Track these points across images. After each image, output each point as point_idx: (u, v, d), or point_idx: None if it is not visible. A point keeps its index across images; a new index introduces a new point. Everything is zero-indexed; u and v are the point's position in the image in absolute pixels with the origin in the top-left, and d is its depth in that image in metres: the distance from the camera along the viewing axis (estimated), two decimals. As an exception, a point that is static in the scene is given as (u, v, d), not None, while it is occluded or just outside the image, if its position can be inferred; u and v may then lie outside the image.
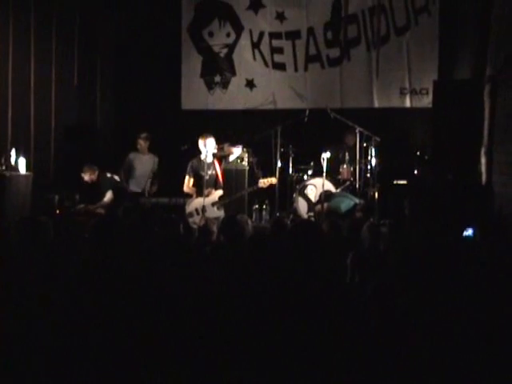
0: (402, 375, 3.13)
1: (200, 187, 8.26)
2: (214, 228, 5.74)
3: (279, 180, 8.91)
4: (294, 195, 9.25)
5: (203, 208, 8.11)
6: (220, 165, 8.56)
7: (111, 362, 3.29)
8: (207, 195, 8.21)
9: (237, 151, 9.21)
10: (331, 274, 4.00)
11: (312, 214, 9.00)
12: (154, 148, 9.67)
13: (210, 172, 8.34)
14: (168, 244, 4.86)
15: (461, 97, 8.57)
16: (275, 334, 3.33)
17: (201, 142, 8.36)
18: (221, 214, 8.16)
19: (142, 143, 9.47)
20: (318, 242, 4.34)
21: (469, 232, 5.29)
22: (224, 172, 8.82)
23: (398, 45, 10.11)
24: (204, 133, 8.47)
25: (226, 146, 9.21)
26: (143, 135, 9.45)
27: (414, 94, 10.03)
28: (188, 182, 8.48)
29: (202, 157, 8.36)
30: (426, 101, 9.83)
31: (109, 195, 8.81)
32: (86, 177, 8.85)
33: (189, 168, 8.47)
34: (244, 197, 8.71)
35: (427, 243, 4.67)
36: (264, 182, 8.43)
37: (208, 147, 8.30)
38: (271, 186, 8.56)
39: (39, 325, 3.44)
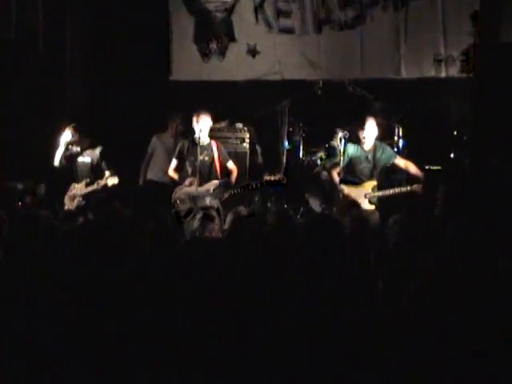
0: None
1: (192, 174, 8.10)
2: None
3: (286, 165, 9.04)
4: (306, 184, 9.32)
5: (193, 198, 7.99)
6: (218, 147, 8.34)
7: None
8: (189, 185, 8.05)
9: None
10: (352, 280, 3.96)
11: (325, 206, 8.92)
12: (136, 126, 9.69)
13: (202, 157, 8.13)
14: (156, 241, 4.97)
15: (508, 63, 8.45)
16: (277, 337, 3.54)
17: (194, 120, 8.20)
18: (214, 204, 8.02)
19: None
20: (336, 242, 4.17)
21: None
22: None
23: (431, 1, 9.87)
24: (198, 109, 8.30)
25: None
26: None
27: (451, 61, 9.78)
28: (173, 166, 8.39)
29: (196, 138, 8.19)
30: (456, 69, 9.77)
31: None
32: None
33: (177, 150, 8.39)
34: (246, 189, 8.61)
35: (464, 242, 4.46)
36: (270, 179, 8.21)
37: (202, 127, 8.11)
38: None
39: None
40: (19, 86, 9.60)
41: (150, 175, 9.33)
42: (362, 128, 8.12)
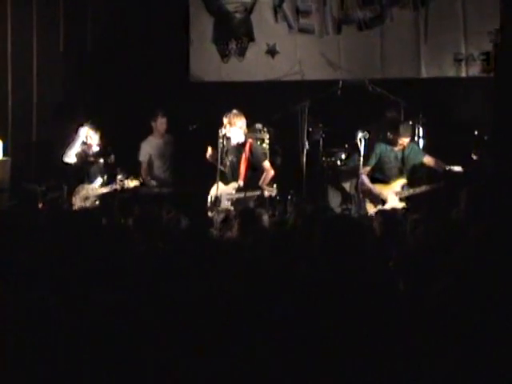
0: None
1: (220, 175, 8.23)
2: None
3: (306, 165, 9.01)
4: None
5: (216, 200, 8.14)
6: (250, 148, 8.36)
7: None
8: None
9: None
10: (372, 282, 3.81)
11: (346, 206, 9.00)
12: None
13: (231, 157, 8.31)
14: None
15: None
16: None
17: (225, 121, 8.27)
18: (231, 205, 8.13)
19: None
20: (356, 242, 4.07)
21: None
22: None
23: (451, 0, 9.86)
24: (219, 109, 8.43)
25: None
26: None
27: (471, 61, 9.77)
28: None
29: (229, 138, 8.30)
30: (476, 69, 9.70)
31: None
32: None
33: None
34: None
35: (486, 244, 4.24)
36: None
37: (231, 127, 8.20)
38: None
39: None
40: (39, 87, 9.68)
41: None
42: (397, 132, 8.39)
